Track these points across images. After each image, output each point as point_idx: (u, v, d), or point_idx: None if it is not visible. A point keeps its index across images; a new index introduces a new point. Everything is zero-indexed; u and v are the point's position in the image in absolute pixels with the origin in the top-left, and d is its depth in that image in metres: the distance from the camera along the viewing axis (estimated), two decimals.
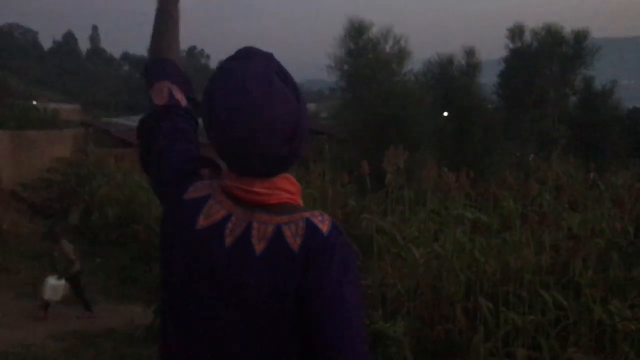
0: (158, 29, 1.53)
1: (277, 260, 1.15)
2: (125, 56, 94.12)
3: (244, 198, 1.20)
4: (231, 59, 1.21)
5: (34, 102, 30.94)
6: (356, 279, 1.17)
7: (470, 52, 17.52)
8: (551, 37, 19.62)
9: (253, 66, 1.17)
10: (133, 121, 26.30)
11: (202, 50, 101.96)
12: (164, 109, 1.40)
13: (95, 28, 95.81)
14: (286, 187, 1.23)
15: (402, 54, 15.07)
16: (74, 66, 77.97)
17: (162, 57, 1.49)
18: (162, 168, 1.33)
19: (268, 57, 1.21)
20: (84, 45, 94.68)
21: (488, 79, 19.35)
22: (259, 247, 1.17)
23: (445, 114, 14.93)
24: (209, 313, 1.19)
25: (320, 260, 1.14)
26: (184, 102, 1.42)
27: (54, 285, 6.38)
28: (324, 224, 1.18)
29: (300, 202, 1.26)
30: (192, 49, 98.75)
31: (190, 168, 1.32)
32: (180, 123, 1.39)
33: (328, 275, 1.13)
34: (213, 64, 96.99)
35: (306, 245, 1.15)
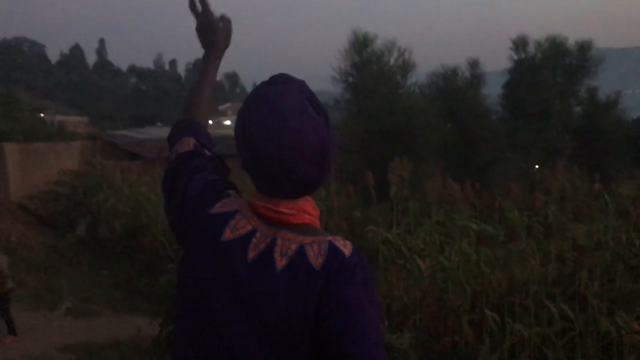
0: (197, 89, 1.59)
1: (298, 277, 1.18)
2: (132, 69, 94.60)
3: (270, 217, 1.25)
4: (267, 83, 1.27)
5: (42, 115, 31.12)
6: (376, 299, 1.19)
7: (474, 64, 17.52)
8: (555, 48, 19.63)
9: (288, 92, 1.23)
10: (139, 133, 26.40)
11: None
12: (189, 153, 1.45)
13: (102, 41, 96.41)
14: (308, 209, 1.28)
15: (406, 66, 15.09)
16: (81, 79, 78.42)
17: (191, 120, 1.54)
18: (187, 194, 1.37)
19: (301, 84, 1.26)
20: (91, 58, 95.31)
21: (492, 90, 19.36)
22: (280, 262, 1.20)
23: (450, 125, 14.94)
24: (226, 325, 1.21)
25: (341, 277, 1.17)
26: (210, 154, 1.48)
27: None
28: (345, 247, 1.21)
29: (319, 224, 1.30)
30: (198, 62, 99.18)
31: (220, 187, 1.36)
32: (206, 161, 1.44)
33: (349, 290, 1.16)
34: (219, 75, 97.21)
35: (328, 264, 1.18)
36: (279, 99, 1.21)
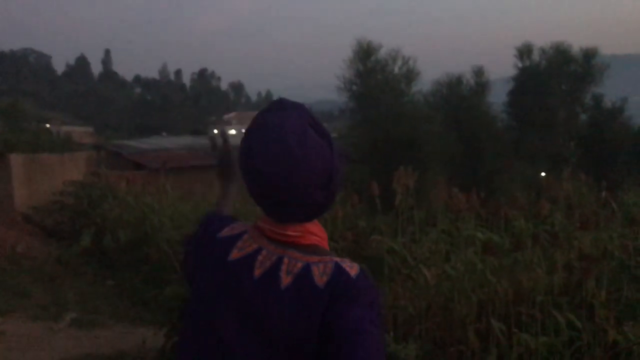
0: (223, 196, 1.64)
1: (302, 295, 1.19)
2: (137, 79, 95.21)
3: (278, 239, 1.26)
4: (266, 111, 1.27)
5: (47, 125, 31.30)
6: (380, 322, 1.19)
7: (479, 72, 17.55)
8: (560, 55, 19.63)
9: (288, 118, 1.23)
10: (144, 143, 26.48)
11: (213, 72, 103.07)
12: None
13: (107, 52, 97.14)
14: (315, 231, 1.29)
15: (410, 75, 15.14)
16: (86, 89, 78.96)
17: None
18: (197, 239, 1.42)
19: (301, 108, 1.27)
20: (96, 68, 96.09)
21: (497, 98, 19.35)
22: (285, 280, 1.21)
23: (455, 133, 14.91)
24: (231, 343, 1.22)
25: (346, 297, 1.17)
26: None
27: None
28: (352, 269, 1.22)
29: (328, 248, 1.31)
30: (203, 71, 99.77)
31: (228, 217, 1.42)
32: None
33: (353, 310, 1.16)
34: (224, 85, 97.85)
35: (332, 283, 1.19)
36: (279, 127, 1.21)
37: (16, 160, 13.99)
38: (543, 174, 16.85)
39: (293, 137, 1.19)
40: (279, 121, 1.22)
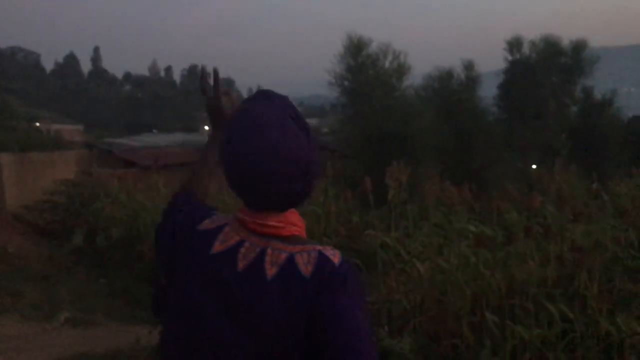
0: (196, 177, 1.58)
1: (288, 285, 1.19)
2: (127, 76, 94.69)
3: (259, 231, 1.26)
4: (249, 100, 1.29)
5: (37, 124, 31.11)
6: (366, 309, 1.21)
7: (469, 65, 17.50)
8: (549, 48, 19.66)
9: (270, 108, 1.25)
10: (135, 141, 26.34)
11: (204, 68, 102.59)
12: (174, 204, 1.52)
13: (96, 49, 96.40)
14: (295, 221, 1.30)
15: (401, 69, 15.09)
16: (76, 87, 78.47)
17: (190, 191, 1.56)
18: (175, 228, 1.40)
19: (284, 100, 1.29)
20: (85, 66, 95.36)
21: (488, 91, 19.37)
22: (270, 271, 1.21)
23: (446, 127, 14.93)
24: (216, 337, 1.22)
25: (332, 286, 1.19)
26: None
27: None
28: (335, 257, 1.23)
29: (305, 236, 1.32)
30: (193, 68, 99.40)
31: (206, 208, 1.41)
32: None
33: (340, 299, 1.17)
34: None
35: (318, 272, 1.20)
36: (259, 115, 1.23)
37: (6, 159, 13.90)
38: (534, 166, 16.94)
39: (273, 127, 1.21)
40: (260, 111, 1.24)
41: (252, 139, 1.21)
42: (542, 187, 9.45)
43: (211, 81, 1.57)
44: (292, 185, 1.23)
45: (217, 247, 1.27)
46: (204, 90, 1.58)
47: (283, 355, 1.17)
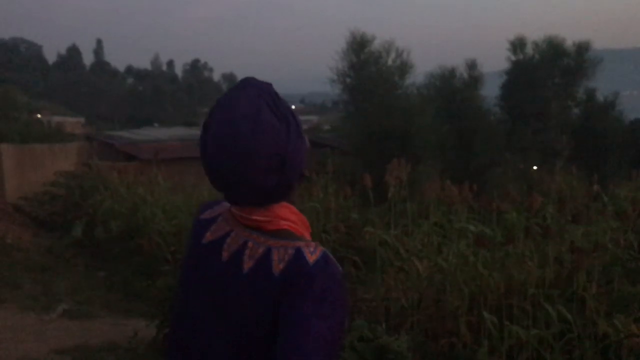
0: None
1: (259, 281, 1.18)
2: (129, 69, 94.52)
3: (246, 224, 1.26)
4: (230, 89, 1.24)
5: (38, 116, 31.08)
6: (333, 313, 1.14)
7: (472, 65, 17.47)
8: (553, 49, 19.60)
9: (244, 97, 1.19)
10: (136, 134, 26.35)
11: (206, 63, 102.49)
12: None
13: (99, 42, 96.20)
14: (286, 215, 1.26)
15: (404, 67, 15.04)
16: (78, 79, 78.27)
17: None
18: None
19: (262, 88, 1.22)
20: (88, 58, 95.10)
21: (490, 91, 19.33)
22: (247, 265, 1.21)
23: (448, 126, 14.92)
24: (200, 325, 1.25)
25: (297, 288, 1.15)
26: None
27: None
28: (313, 255, 1.18)
29: (304, 232, 1.28)
30: (195, 62, 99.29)
31: (216, 200, 1.40)
32: None
33: (301, 304, 1.13)
34: (216, 76, 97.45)
35: (287, 271, 1.17)
36: (233, 106, 1.18)
37: (7, 150, 13.88)
38: (535, 167, 16.92)
39: (243, 119, 1.16)
40: (234, 100, 1.19)
41: (223, 131, 1.17)
42: (542, 188, 9.44)
43: None
44: (268, 180, 1.18)
45: (208, 236, 1.28)
46: None
47: (255, 346, 1.18)
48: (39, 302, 7.24)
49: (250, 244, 1.22)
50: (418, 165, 10.92)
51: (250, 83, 1.23)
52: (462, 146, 15.10)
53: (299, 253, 1.18)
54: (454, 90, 16.57)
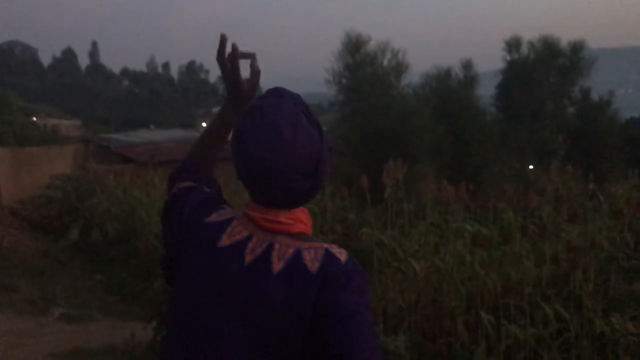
0: (211, 132, 1.56)
1: (294, 280, 1.20)
2: (125, 72, 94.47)
3: (268, 227, 1.27)
4: (263, 97, 1.29)
5: (34, 119, 31.01)
6: (370, 306, 1.21)
7: (467, 65, 17.50)
8: (548, 48, 19.66)
9: (283, 105, 1.25)
10: (132, 137, 26.32)
11: (202, 64, 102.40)
12: (189, 187, 1.47)
13: (94, 44, 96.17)
14: (303, 218, 1.31)
15: (399, 68, 15.06)
16: (73, 82, 78.19)
17: (198, 162, 1.55)
18: (183, 215, 1.38)
19: (297, 98, 1.29)
20: (83, 61, 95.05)
21: (486, 90, 19.36)
22: (277, 266, 1.22)
23: (444, 126, 14.93)
24: (220, 331, 1.22)
25: (338, 283, 1.19)
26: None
27: None
28: (341, 255, 1.25)
29: (311, 233, 1.33)
30: (191, 64, 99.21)
31: (216, 200, 1.41)
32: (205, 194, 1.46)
33: (345, 295, 1.18)
34: (212, 78, 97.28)
35: (324, 269, 1.21)
36: (273, 112, 1.23)
37: (2, 153, 13.83)
38: (531, 166, 16.95)
39: (285, 123, 1.21)
40: (274, 106, 1.24)
41: (265, 135, 1.21)
42: (538, 188, 9.45)
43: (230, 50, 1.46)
44: (303, 183, 1.24)
45: (225, 240, 1.27)
46: (221, 59, 1.46)
47: (284, 349, 1.18)
48: (36, 305, 7.22)
49: (276, 246, 1.24)
50: (414, 165, 10.94)
51: (286, 92, 1.30)
52: (458, 146, 15.12)
53: (329, 253, 1.23)
54: (449, 90, 16.60)
